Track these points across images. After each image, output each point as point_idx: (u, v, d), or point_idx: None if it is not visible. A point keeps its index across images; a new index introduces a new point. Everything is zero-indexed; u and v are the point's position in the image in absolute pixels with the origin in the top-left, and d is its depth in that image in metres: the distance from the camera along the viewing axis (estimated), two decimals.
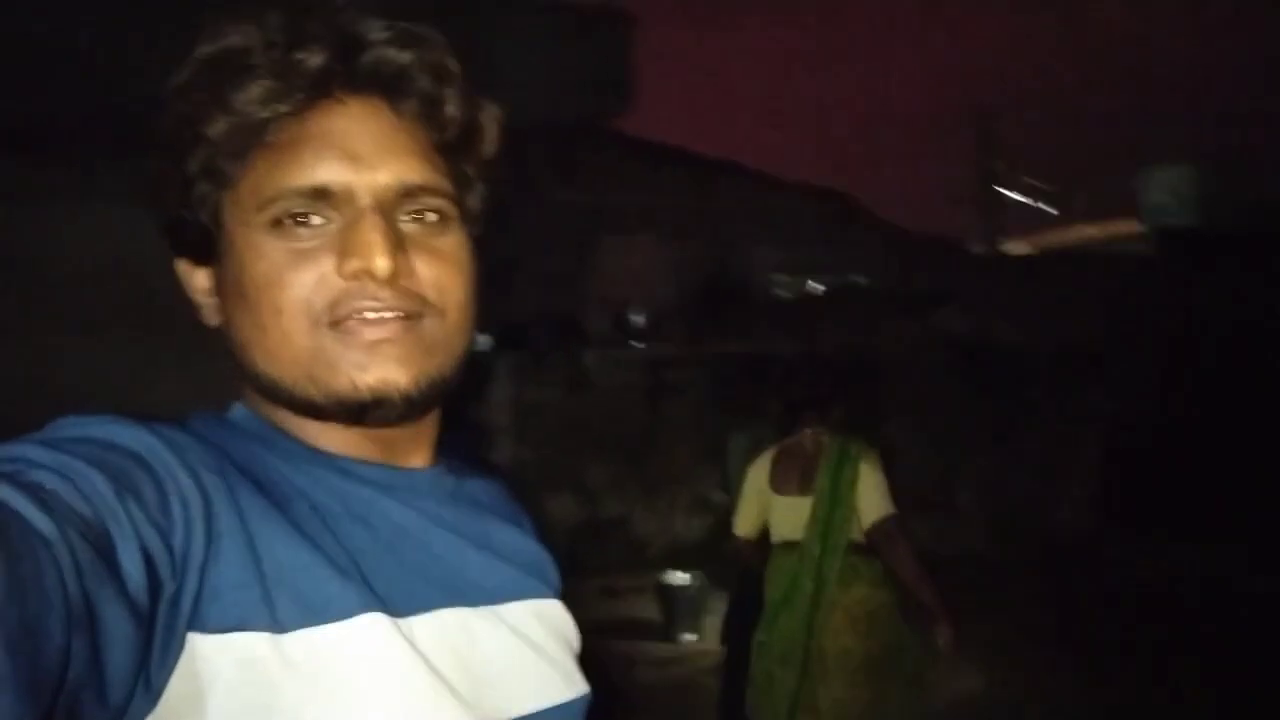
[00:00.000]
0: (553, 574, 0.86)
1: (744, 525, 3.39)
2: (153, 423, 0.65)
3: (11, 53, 3.56)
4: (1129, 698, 4.66)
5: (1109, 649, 5.12)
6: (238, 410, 0.77)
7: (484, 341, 6.22)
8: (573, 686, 0.78)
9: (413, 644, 0.67)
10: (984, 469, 6.87)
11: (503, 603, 0.77)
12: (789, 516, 3.22)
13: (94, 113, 3.95)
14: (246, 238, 0.70)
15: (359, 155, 0.71)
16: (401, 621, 0.67)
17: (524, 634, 0.77)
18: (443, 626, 0.71)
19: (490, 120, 0.79)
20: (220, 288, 0.74)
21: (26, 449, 0.58)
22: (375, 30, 0.73)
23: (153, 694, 0.58)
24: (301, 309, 0.69)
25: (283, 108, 0.70)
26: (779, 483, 3.28)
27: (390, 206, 0.71)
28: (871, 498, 3.13)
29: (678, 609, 5.47)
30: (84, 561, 0.51)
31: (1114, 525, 6.73)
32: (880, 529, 3.12)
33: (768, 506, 3.30)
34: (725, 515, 6.62)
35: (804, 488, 3.20)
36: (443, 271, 0.73)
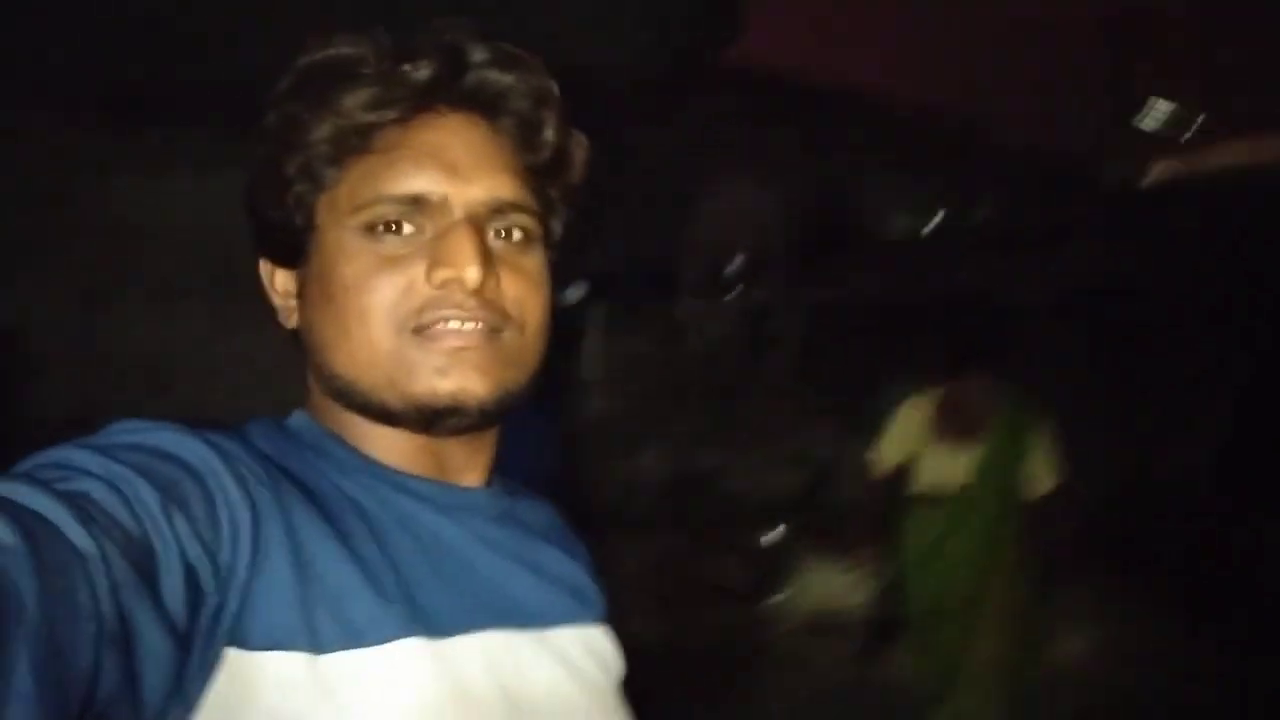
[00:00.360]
0: (600, 604, 0.87)
1: (885, 462, 3.21)
2: (207, 431, 0.66)
3: (113, 22, 3.57)
4: (1259, 669, 4.34)
5: (1233, 617, 4.77)
6: (297, 417, 0.78)
7: (575, 293, 6.13)
8: (610, 716, 0.80)
9: (454, 666, 0.68)
10: (1103, 424, 6.46)
11: (550, 628, 0.77)
12: (941, 467, 3.08)
13: (191, 80, 3.96)
14: (338, 241, 0.73)
15: (456, 167, 0.73)
16: (445, 642, 0.68)
17: (569, 660, 0.77)
18: (487, 648, 0.71)
19: (579, 148, 0.83)
20: (303, 290, 0.76)
21: (77, 455, 0.58)
22: (480, 50, 0.76)
23: (187, 706, 0.59)
24: (388, 314, 0.71)
25: (389, 114, 0.73)
26: (939, 428, 3.11)
27: (481, 220, 0.74)
28: (1045, 464, 3.03)
29: (767, 567, 5.35)
30: (122, 577, 0.52)
31: (1241, 486, 6.26)
32: (1049, 500, 3.02)
33: (918, 452, 3.13)
34: (822, 472, 6.46)
35: (965, 438, 3.06)
36: (525, 289, 0.76)
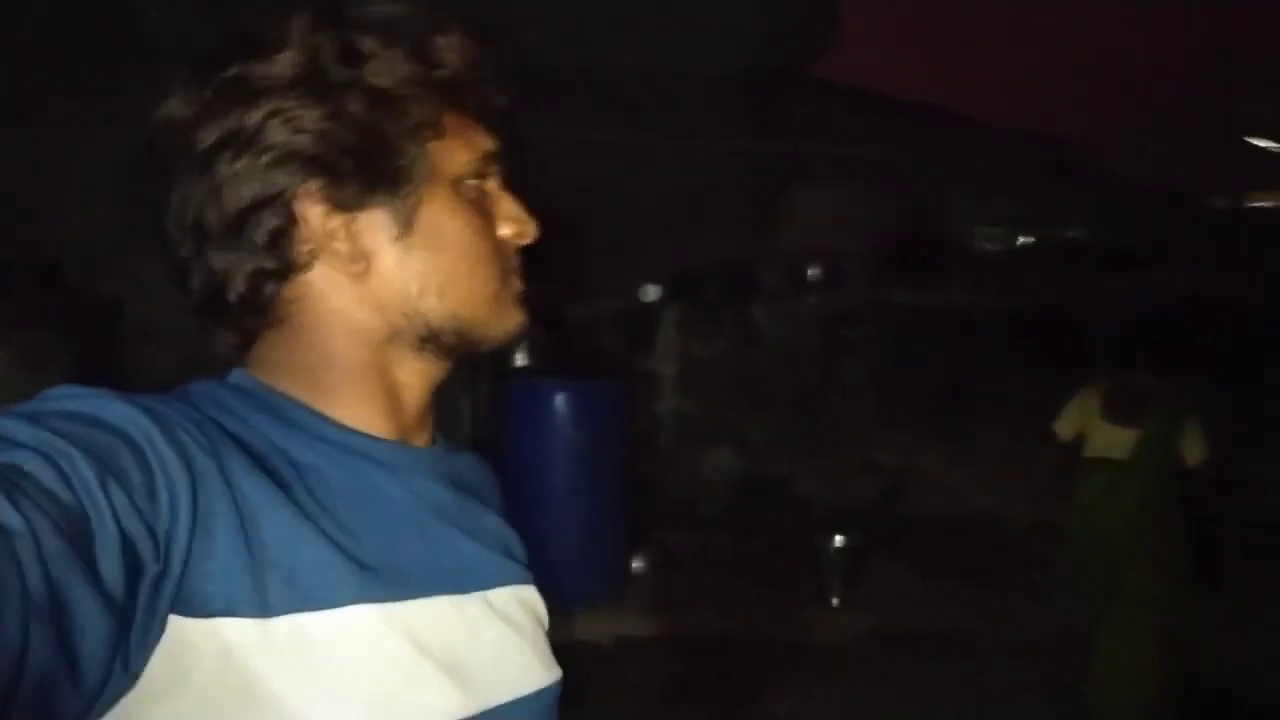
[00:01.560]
0: (521, 552, 0.88)
1: (1064, 430, 4.08)
2: (145, 397, 0.65)
3: None
4: None
5: None
6: (239, 375, 0.76)
7: (654, 291, 6.20)
8: (551, 672, 0.81)
9: (406, 629, 0.68)
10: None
11: (491, 589, 0.78)
12: (1108, 440, 3.91)
13: None
14: (458, 189, 0.78)
15: (499, 133, 0.82)
16: (397, 606, 0.69)
17: (511, 620, 0.79)
18: (438, 613, 0.72)
19: None
20: (393, 234, 0.76)
21: (9, 424, 0.57)
22: (507, 83, 0.82)
23: (131, 675, 0.58)
24: (493, 257, 0.78)
25: (470, 77, 0.78)
26: (1108, 410, 3.92)
27: (507, 183, 0.83)
28: (1197, 440, 3.82)
29: (831, 572, 5.32)
30: (53, 551, 0.52)
31: None
32: (1198, 470, 3.85)
33: (1092, 427, 3.97)
34: (895, 479, 6.40)
35: (1131, 421, 3.86)
36: None
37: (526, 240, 0.81)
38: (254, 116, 0.71)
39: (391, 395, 0.78)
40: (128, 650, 0.57)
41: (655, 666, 4.38)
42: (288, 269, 0.74)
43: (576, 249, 5.96)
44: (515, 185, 0.86)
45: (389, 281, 0.76)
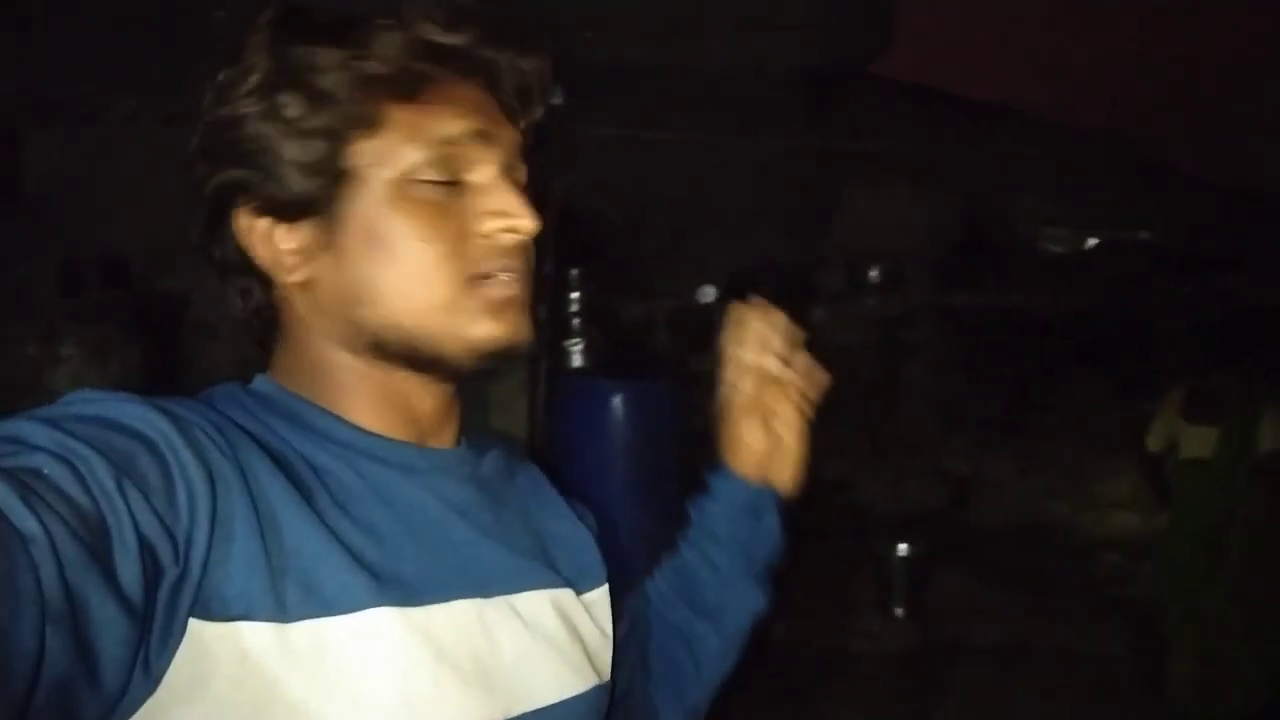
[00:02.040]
0: (584, 553, 0.86)
1: (1155, 443, 4.29)
2: (166, 401, 0.65)
3: None
4: None
5: None
6: (261, 382, 0.76)
7: (711, 291, 6.12)
8: (584, 679, 0.78)
9: (426, 635, 0.67)
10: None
11: (518, 593, 0.76)
12: (1195, 441, 4.10)
13: None
14: (387, 190, 0.71)
15: (490, 118, 0.75)
16: (417, 610, 0.68)
17: (537, 626, 0.76)
18: (459, 617, 0.71)
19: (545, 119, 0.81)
20: (325, 242, 0.73)
21: (28, 428, 0.58)
22: (512, 34, 0.76)
23: (152, 679, 0.58)
24: (445, 262, 0.71)
25: (431, 68, 0.72)
26: (1190, 412, 4.12)
27: (509, 170, 0.75)
28: (1276, 431, 4.00)
29: (895, 581, 5.20)
30: (70, 556, 0.52)
31: None
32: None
33: (1178, 432, 4.17)
34: (960, 486, 6.25)
35: (1211, 420, 4.07)
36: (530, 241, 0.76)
37: (516, 236, 0.73)
38: (202, 132, 0.74)
39: (400, 398, 0.76)
40: (148, 654, 0.57)
41: None
42: (265, 281, 0.75)
43: (633, 249, 5.92)
44: (544, 176, 0.81)
45: (328, 291, 0.74)
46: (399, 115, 0.71)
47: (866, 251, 7.16)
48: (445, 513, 0.75)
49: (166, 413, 0.63)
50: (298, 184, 0.72)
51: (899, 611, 5.17)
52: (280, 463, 0.68)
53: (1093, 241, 9.74)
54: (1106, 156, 10.34)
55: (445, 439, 0.79)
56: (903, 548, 5.23)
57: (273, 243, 0.74)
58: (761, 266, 6.77)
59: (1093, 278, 7.62)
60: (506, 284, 0.73)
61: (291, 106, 0.71)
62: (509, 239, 0.73)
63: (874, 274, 6.84)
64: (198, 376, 4.39)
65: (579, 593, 0.83)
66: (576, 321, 5.48)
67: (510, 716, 0.71)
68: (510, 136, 0.76)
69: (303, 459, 0.70)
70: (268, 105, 0.71)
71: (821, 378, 0.95)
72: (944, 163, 8.89)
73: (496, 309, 0.73)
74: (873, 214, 7.68)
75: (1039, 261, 8.92)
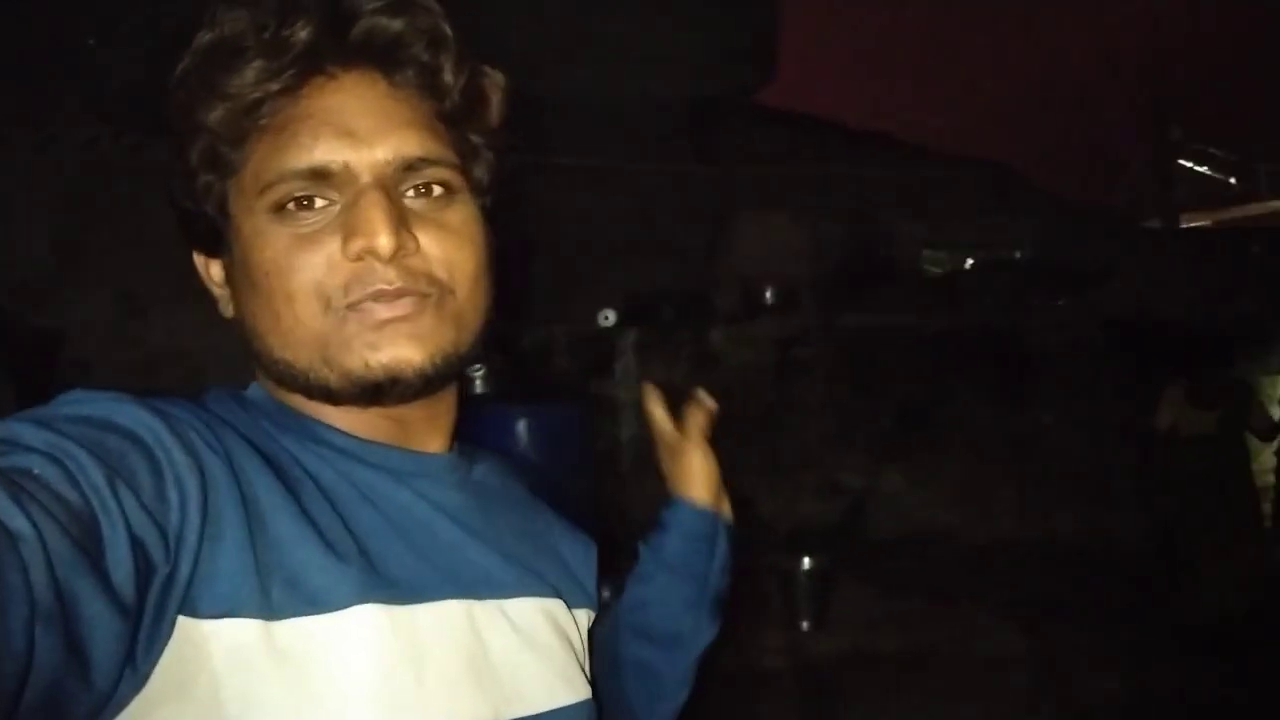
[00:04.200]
0: (579, 569, 0.86)
1: (1162, 424, 5.56)
2: (157, 400, 0.65)
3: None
4: None
5: None
6: (254, 389, 0.77)
7: (610, 316, 6.14)
8: (576, 690, 0.77)
9: (412, 633, 0.66)
10: (1139, 458, 6.37)
11: (508, 599, 0.75)
12: (1197, 421, 5.42)
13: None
14: (252, 225, 0.70)
15: (355, 132, 0.70)
16: (403, 609, 0.67)
17: (527, 633, 0.75)
18: (448, 617, 0.70)
19: (494, 87, 0.78)
20: (230, 278, 0.74)
21: (19, 428, 0.58)
22: (366, 1, 0.71)
23: (139, 676, 0.58)
24: (312, 293, 0.69)
25: (274, 86, 0.69)
26: (1192, 399, 5.45)
27: (392, 182, 0.70)
28: (1263, 412, 5.60)
29: (800, 595, 5.27)
30: (60, 554, 0.52)
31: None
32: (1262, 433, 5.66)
33: (1181, 414, 5.47)
34: (855, 500, 6.38)
35: (1211, 406, 5.42)
36: (452, 246, 0.72)
37: (374, 255, 0.68)
38: None
39: (380, 408, 0.75)
40: (136, 651, 0.57)
41: None
42: (223, 312, 0.78)
43: (530, 275, 5.91)
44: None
45: (239, 324, 0.76)
46: (257, 149, 0.70)
47: (757, 275, 7.29)
48: (434, 515, 0.74)
49: (158, 411, 0.63)
50: (200, 225, 0.74)
51: (805, 625, 5.24)
52: (270, 461, 0.67)
53: (970, 262, 10.15)
54: (979, 180, 10.80)
55: (435, 445, 0.78)
56: (807, 561, 5.30)
57: (213, 278, 0.77)
58: (658, 291, 6.84)
59: (970, 296, 7.91)
60: (387, 306, 0.69)
61: (183, 154, 0.72)
62: (372, 260, 0.69)
63: (769, 296, 6.97)
64: None
65: (571, 606, 0.82)
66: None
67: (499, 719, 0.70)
68: (393, 132, 0.71)
69: (292, 458, 0.69)
70: (178, 148, 0.73)
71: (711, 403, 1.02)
72: (828, 188, 9.15)
73: (374, 334, 0.69)
74: (763, 238, 7.84)
75: (920, 282, 9.23)
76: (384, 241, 0.67)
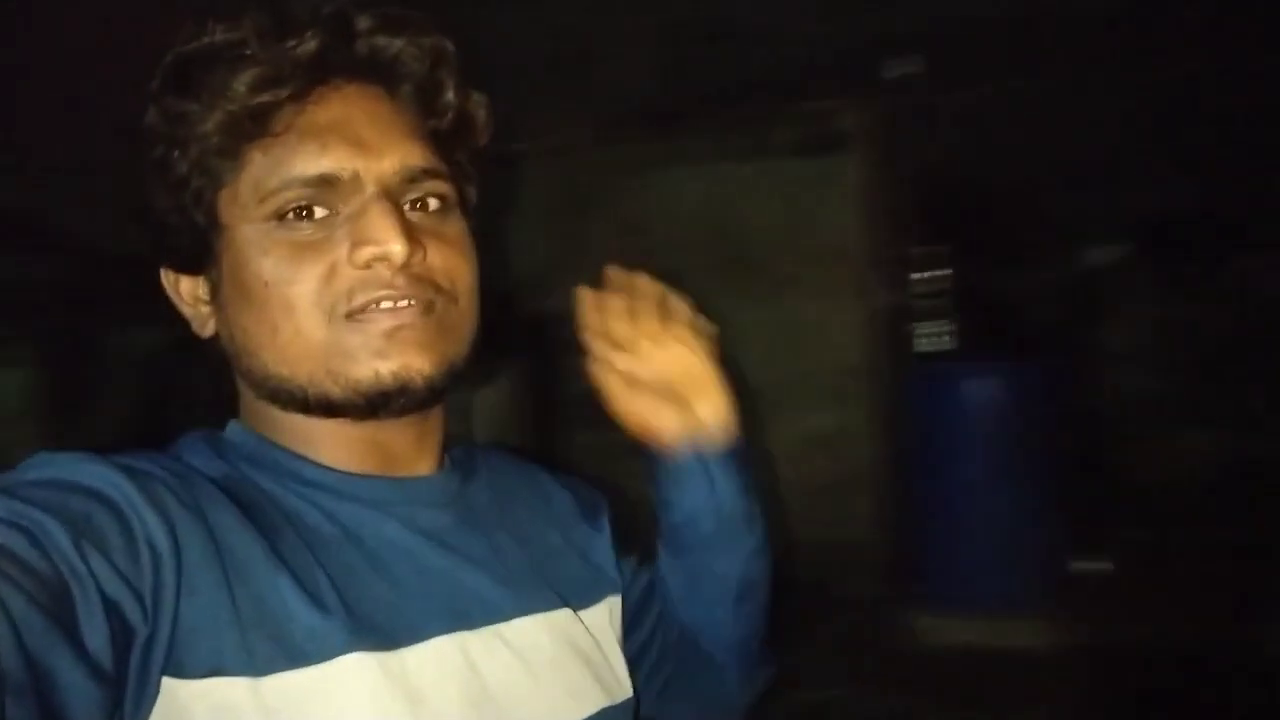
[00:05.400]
0: (590, 562, 0.84)
1: None
2: (124, 457, 0.65)
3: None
4: None
5: None
6: (232, 428, 0.76)
7: (1105, 255, 5.45)
8: (587, 702, 0.75)
9: (403, 678, 0.65)
10: None
11: (507, 620, 0.73)
12: None
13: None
14: (249, 235, 0.69)
15: (362, 141, 0.69)
16: (392, 655, 0.66)
17: (530, 655, 0.73)
18: (439, 655, 0.68)
19: (480, 109, 0.78)
20: (216, 293, 0.73)
21: None
22: (366, 16, 0.72)
23: None
24: (315, 302, 0.68)
25: (282, 92, 0.68)
26: None
27: (396, 192, 0.70)
28: None
29: None
30: (30, 625, 0.52)
31: None
32: None
33: None
34: None
35: None
36: (452, 257, 0.72)
37: (386, 263, 0.67)
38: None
39: (361, 433, 0.73)
40: (123, 715, 0.56)
41: (1086, 679, 3.86)
42: (199, 331, 0.77)
43: (1007, 217, 5.42)
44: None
45: (227, 344, 0.74)
46: (256, 157, 0.69)
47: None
48: (423, 545, 0.72)
49: (125, 469, 0.62)
50: (183, 238, 0.72)
51: None
52: (248, 509, 0.67)
53: None
54: None
55: (422, 466, 0.77)
56: None
57: (184, 296, 0.75)
58: (1178, 217, 5.85)
59: None
60: (392, 313, 0.68)
61: (169, 162, 0.70)
62: (381, 268, 0.68)
63: None
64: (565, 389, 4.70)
65: (579, 609, 0.79)
66: (941, 301, 5.14)
67: None
68: (398, 143, 0.71)
69: (272, 502, 0.69)
70: (155, 161, 0.71)
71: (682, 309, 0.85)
72: None
73: (382, 343, 0.68)
74: None
75: None
76: (398, 249, 0.67)
